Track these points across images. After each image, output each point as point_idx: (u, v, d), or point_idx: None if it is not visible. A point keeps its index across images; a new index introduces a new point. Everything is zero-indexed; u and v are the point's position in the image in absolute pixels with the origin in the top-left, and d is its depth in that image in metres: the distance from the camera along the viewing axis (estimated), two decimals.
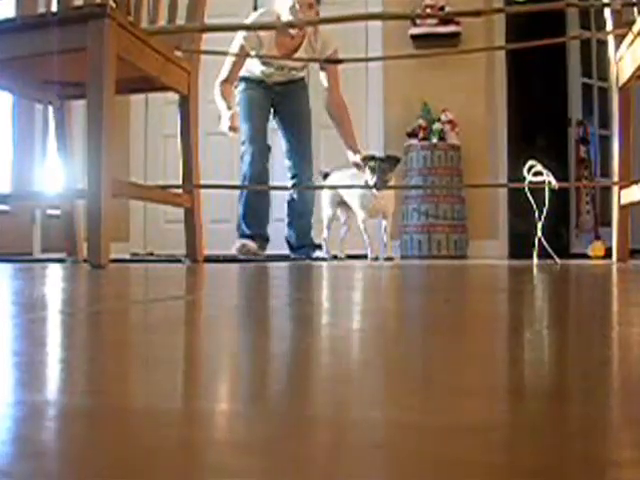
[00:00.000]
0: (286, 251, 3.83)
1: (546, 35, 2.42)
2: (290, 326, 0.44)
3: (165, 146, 4.84)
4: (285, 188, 3.21)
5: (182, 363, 0.31)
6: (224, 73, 2.99)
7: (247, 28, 2.70)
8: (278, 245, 3.53)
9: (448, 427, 0.19)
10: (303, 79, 3.35)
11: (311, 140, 3.36)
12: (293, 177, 3.35)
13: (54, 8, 1.98)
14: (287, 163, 3.35)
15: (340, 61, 2.04)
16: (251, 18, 3.07)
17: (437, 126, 4.02)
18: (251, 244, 3.15)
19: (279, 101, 3.30)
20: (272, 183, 3.50)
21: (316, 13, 2.93)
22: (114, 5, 1.77)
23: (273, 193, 4.12)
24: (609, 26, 2.32)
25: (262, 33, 2.89)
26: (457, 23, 4.13)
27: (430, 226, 3.90)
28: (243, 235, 3.18)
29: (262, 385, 0.25)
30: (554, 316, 0.52)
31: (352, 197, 3.22)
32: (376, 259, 3.18)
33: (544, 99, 5.26)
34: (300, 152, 3.31)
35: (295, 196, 3.36)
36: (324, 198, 3.47)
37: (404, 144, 4.11)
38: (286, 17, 2.89)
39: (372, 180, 3.02)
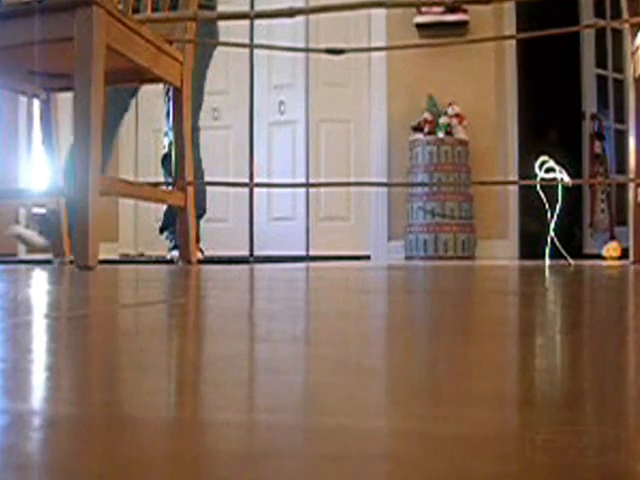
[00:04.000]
0: (282, 251, 3.83)
1: (559, 24, 2.42)
2: (288, 330, 0.44)
3: (156, 141, 4.84)
4: (286, 185, 3.21)
5: (172, 370, 0.31)
6: None
7: (243, 17, 2.70)
8: (276, 245, 3.54)
9: (456, 436, 0.19)
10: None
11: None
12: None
13: None
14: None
15: (342, 51, 2.03)
16: None
17: (444, 120, 4.02)
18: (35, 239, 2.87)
19: None
20: (273, 180, 3.46)
21: None
22: None
23: (273, 191, 4.12)
24: (625, 15, 2.32)
25: None
26: (465, 11, 4.13)
27: (436, 225, 3.90)
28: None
29: (258, 393, 0.25)
30: (567, 320, 0.52)
31: None
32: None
33: (557, 91, 5.27)
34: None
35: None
36: None
37: (409, 139, 4.11)
38: None
39: None
